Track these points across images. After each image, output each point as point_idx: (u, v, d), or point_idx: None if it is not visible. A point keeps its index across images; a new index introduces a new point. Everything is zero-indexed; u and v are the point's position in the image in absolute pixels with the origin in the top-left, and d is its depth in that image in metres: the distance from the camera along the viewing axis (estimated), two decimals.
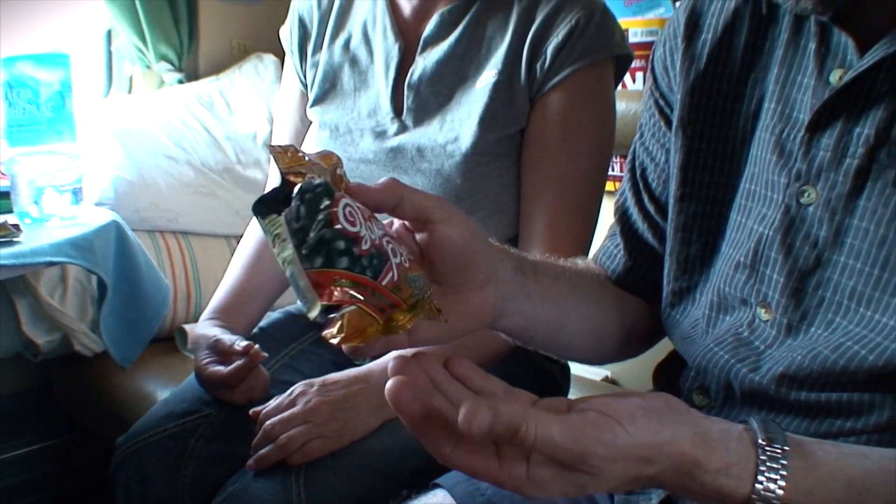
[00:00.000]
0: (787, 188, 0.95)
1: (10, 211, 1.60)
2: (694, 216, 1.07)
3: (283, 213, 0.69)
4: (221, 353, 1.44)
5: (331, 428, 1.30)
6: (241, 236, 2.41)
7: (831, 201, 0.91)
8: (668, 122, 1.11)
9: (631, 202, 1.19)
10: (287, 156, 0.72)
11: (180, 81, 2.73)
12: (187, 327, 2.16)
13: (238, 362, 1.40)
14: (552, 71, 1.46)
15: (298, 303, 1.67)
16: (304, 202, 0.68)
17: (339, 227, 0.69)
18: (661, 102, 1.13)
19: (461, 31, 1.52)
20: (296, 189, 0.68)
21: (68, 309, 2.11)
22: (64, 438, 2.39)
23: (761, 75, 1.03)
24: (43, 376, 2.33)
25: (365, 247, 0.70)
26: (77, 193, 1.62)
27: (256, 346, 1.42)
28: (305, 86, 1.68)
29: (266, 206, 0.71)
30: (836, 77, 0.92)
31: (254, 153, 2.54)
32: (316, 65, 1.64)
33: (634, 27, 2.17)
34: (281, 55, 2.53)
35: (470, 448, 0.69)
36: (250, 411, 1.35)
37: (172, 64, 2.74)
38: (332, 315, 0.68)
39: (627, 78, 2.17)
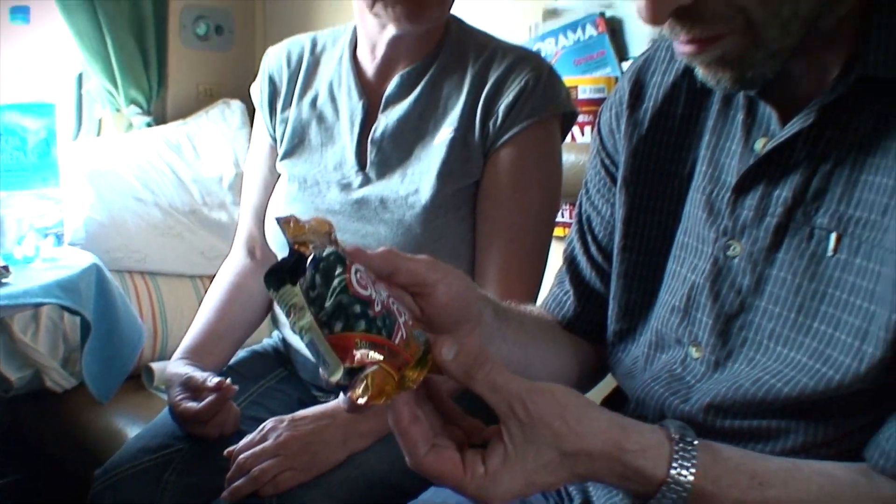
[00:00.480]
0: (716, 242, 1.02)
1: None
2: (635, 265, 1.15)
3: (299, 283, 0.72)
4: (194, 389, 1.49)
5: (300, 460, 1.36)
6: (207, 277, 2.45)
7: (753, 254, 0.98)
8: (613, 179, 1.19)
9: (579, 251, 1.26)
10: (290, 226, 0.75)
11: (149, 125, 2.79)
12: (154, 365, 2.22)
13: (210, 398, 1.45)
14: (504, 128, 1.52)
15: (265, 341, 1.74)
16: (320, 271, 0.72)
17: (353, 291, 0.72)
18: (607, 161, 1.21)
19: (420, 92, 1.58)
20: (309, 259, 0.73)
21: (40, 346, 2.14)
22: (31, 473, 2.39)
23: (695, 141, 1.11)
24: (11, 412, 2.34)
25: (378, 308, 0.73)
26: (60, 236, 1.70)
27: (228, 380, 1.47)
28: (275, 140, 1.74)
29: (277, 278, 0.74)
30: (760, 145, 0.99)
31: (219, 195, 2.59)
32: (285, 121, 1.71)
33: (583, 84, 2.24)
34: (246, 100, 2.61)
35: (440, 454, 0.79)
36: (225, 451, 1.41)
37: (141, 107, 2.80)
38: (355, 377, 0.72)
39: (577, 131, 2.24)
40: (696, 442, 0.84)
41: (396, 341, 0.74)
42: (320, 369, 0.74)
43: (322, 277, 0.72)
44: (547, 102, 1.54)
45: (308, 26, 2.93)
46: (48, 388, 2.17)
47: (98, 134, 2.86)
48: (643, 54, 1.21)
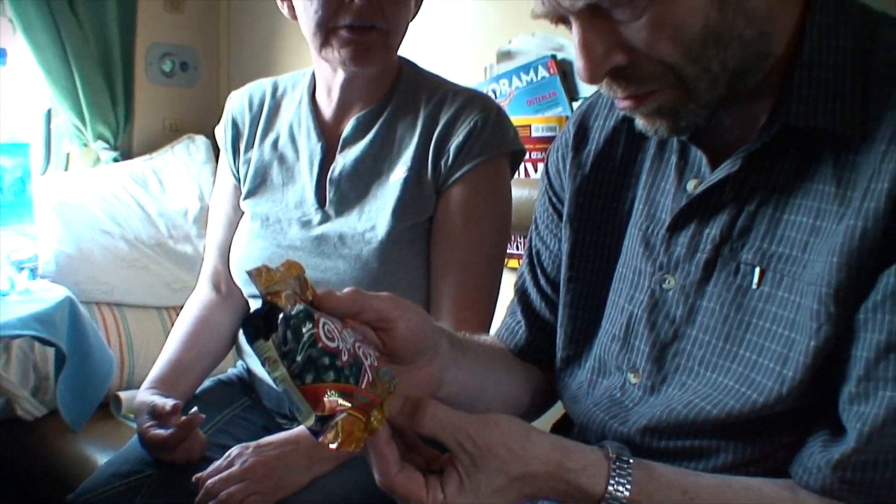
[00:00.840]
0: (653, 276, 1.08)
1: None
2: (580, 295, 1.22)
3: (272, 339, 0.77)
4: (162, 417, 1.53)
5: (266, 485, 1.41)
6: (173, 308, 2.50)
7: (686, 287, 1.04)
8: (560, 216, 1.26)
9: (529, 283, 1.33)
10: (262, 276, 0.79)
11: (115, 159, 2.85)
12: (121, 394, 2.26)
13: (177, 424, 1.50)
14: (454, 167, 1.58)
15: (230, 371, 1.80)
16: (290, 328, 0.77)
17: (321, 345, 0.78)
18: (554, 199, 1.28)
19: (375, 133, 1.64)
20: (280, 317, 0.79)
21: (11, 376, 2.19)
22: (3, 499, 2.40)
23: (634, 181, 1.18)
24: None
25: (345, 358, 0.79)
26: (34, 269, 1.76)
27: (195, 409, 1.52)
28: (238, 180, 1.79)
29: (253, 330, 0.78)
30: (691, 186, 1.06)
31: (184, 228, 2.65)
32: (248, 161, 1.76)
33: (536, 123, 2.31)
34: (211, 136, 2.66)
35: (408, 475, 0.85)
36: (193, 477, 1.45)
37: (109, 142, 2.86)
38: (327, 423, 0.78)
39: (530, 167, 2.33)
40: (631, 461, 0.91)
41: (363, 385, 0.80)
42: (296, 414, 0.80)
43: (292, 334, 0.77)
44: (495, 142, 1.60)
45: (269, 64, 3.02)
46: (19, 417, 2.21)
47: (66, 168, 2.91)
48: (587, 100, 1.28)
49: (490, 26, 2.49)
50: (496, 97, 2.39)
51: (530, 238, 1.35)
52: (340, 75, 1.63)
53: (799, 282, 0.94)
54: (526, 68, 2.35)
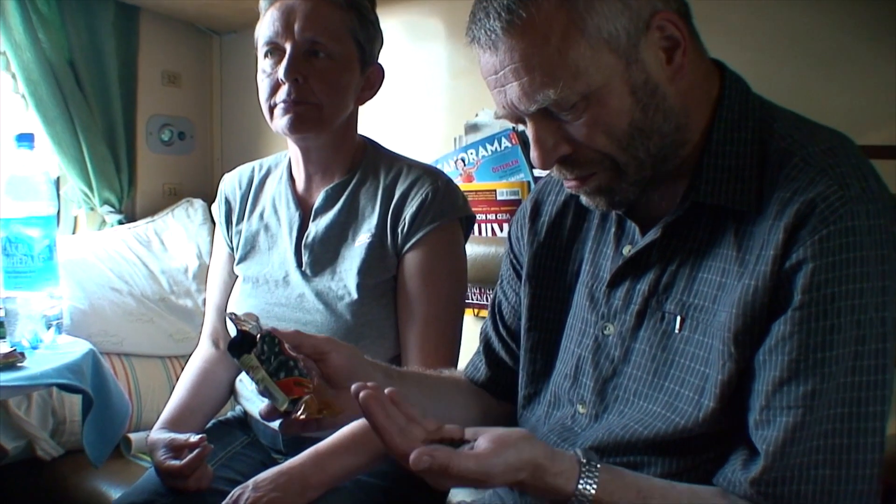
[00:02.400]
0: (596, 324, 1.25)
1: (1, 337, 1.89)
2: (537, 341, 1.37)
3: (253, 352, 1.10)
4: (177, 448, 1.67)
5: None
6: (175, 357, 2.66)
7: (622, 333, 1.21)
8: (518, 275, 1.44)
9: (490, 330, 1.51)
10: (238, 318, 1.14)
11: (120, 222, 2.98)
12: (131, 436, 2.40)
13: (191, 455, 1.63)
14: (410, 233, 1.72)
15: (228, 413, 1.97)
16: (265, 342, 1.10)
17: (286, 353, 1.11)
18: (514, 261, 1.46)
19: (342, 203, 1.80)
20: (258, 335, 1.10)
21: (32, 419, 2.32)
22: None
23: (581, 246, 1.34)
24: (3, 479, 2.44)
25: (300, 364, 1.12)
26: (60, 326, 1.95)
27: (204, 437, 1.66)
28: (232, 249, 1.97)
29: (238, 349, 1.11)
30: (626, 250, 1.23)
31: (185, 284, 2.79)
32: (239, 232, 1.94)
33: (500, 188, 2.46)
34: (207, 199, 2.85)
35: (407, 444, 0.99)
36: None
37: (113, 206, 2.99)
38: (297, 404, 1.08)
39: (496, 227, 2.48)
40: (598, 465, 1.05)
41: (315, 382, 1.12)
42: (273, 404, 1.10)
43: (267, 346, 1.10)
44: (445, 210, 1.73)
45: (258, 133, 3.18)
46: (38, 457, 2.32)
47: (73, 231, 3.03)
48: (542, 179, 1.46)
49: (459, 101, 2.64)
50: (465, 165, 2.54)
51: (495, 293, 1.52)
52: (298, 148, 1.81)
53: (710, 327, 1.10)
54: (490, 139, 2.50)
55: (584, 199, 1.20)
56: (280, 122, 1.72)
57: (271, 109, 1.74)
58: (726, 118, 1.14)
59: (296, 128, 1.72)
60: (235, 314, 1.17)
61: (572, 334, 1.32)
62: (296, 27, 1.68)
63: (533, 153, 1.13)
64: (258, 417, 1.82)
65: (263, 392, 1.11)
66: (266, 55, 1.73)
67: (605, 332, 1.24)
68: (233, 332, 1.72)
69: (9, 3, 2.64)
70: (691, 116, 1.14)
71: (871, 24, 1.88)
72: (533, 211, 1.42)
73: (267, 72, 1.73)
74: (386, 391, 1.05)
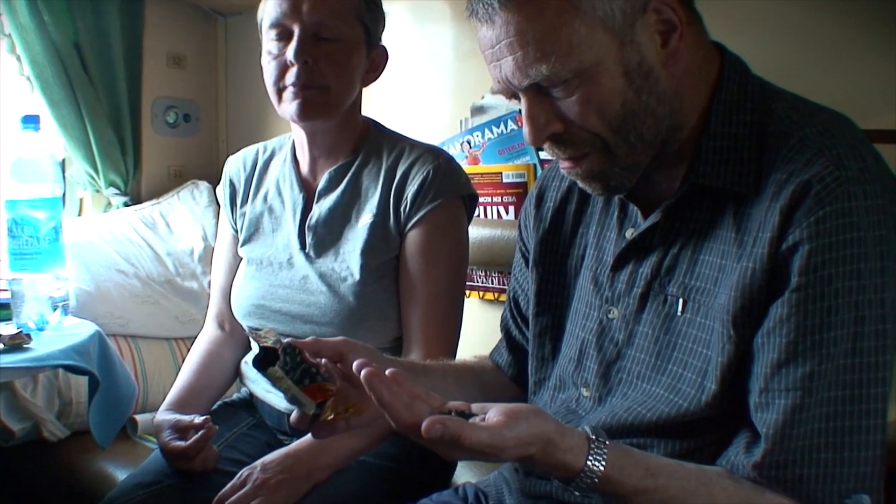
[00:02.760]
0: (600, 308, 1.26)
1: (7, 318, 1.90)
2: (545, 327, 1.39)
3: (278, 364, 1.11)
4: (181, 430, 1.69)
5: (277, 497, 1.57)
6: (181, 339, 2.66)
7: (626, 316, 1.22)
8: (528, 263, 1.45)
9: (509, 318, 1.54)
10: (259, 334, 1.16)
11: (126, 204, 2.99)
12: (137, 417, 2.40)
13: (196, 436, 1.65)
14: (412, 212, 1.73)
15: (234, 395, 1.98)
16: (288, 354, 1.12)
17: (308, 362, 1.13)
18: (524, 249, 1.48)
19: (345, 185, 1.81)
20: (280, 349, 1.12)
21: (39, 401, 2.33)
22: None
23: (585, 230, 1.36)
24: (10, 460, 2.45)
25: (321, 369, 1.14)
26: (66, 308, 1.96)
27: (208, 418, 1.68)
28: (236, 231, 1.98)
29: (263, 364, 1.12)
30: (629, 233, 1.24)
31: (191, 267, 2.80)
32: (244, 215, 1.95)
33: (506, 171, 2.44)
34: (213, 181, 2.86)
35: (414, 416, 1.00)
36: (214, 500, 1.58)
37: (119, 189, 3.00)
38: (323, 407, 1.10)
39: (502, 210, 2.46)
40: (607, 442, 1.04)
41: (338, 385, 1.14)
42: (302, 411, 1.11)
43: (290, 358, 1.12)
44: (446, 188, 1.75)
45: (263, 115, 3.16)
46: (45, 438, 2.33)
47: (79, 213, 3.04)
48: (547, 167, 1.47)
49: (464, 84, 2.62)
50: (470, 147, 2.53)
51: (511, 284, 1.54)
52: (304, 132, 1.82)
53: (711, 310, 1.10)
54: (497, 122, 2.48)
55: (580, 183, 1.21)
56: (289, 107, 1.73)
57: (279, 92, 1.74)
58: (725, 100, 1.14)
59: (305, 114, 1.73)
60: (256, 331, 1.19)
61: (577, 318, 1.33)
62: (303, 8, 1.69)
63: (525, 129, 1.14)
64: (263, 399, 1.90)
65: (291, 400, 1.13)
66: (273, 37, 1.73)
67: (610, 316, 1.25)
68: (238, 314, 1.76)
69: None
70: (686, 99, 1.14)
71: (870, 8, 1.86)
72: (538, 198, 1.44)
73: (273, 53, 1.73)
74: (387, 372, 1.05)
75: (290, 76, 1.70)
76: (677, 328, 1.15)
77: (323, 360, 1.16)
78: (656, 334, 1.18)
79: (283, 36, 1.71)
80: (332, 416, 1.11)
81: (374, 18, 1.78)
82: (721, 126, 1.13)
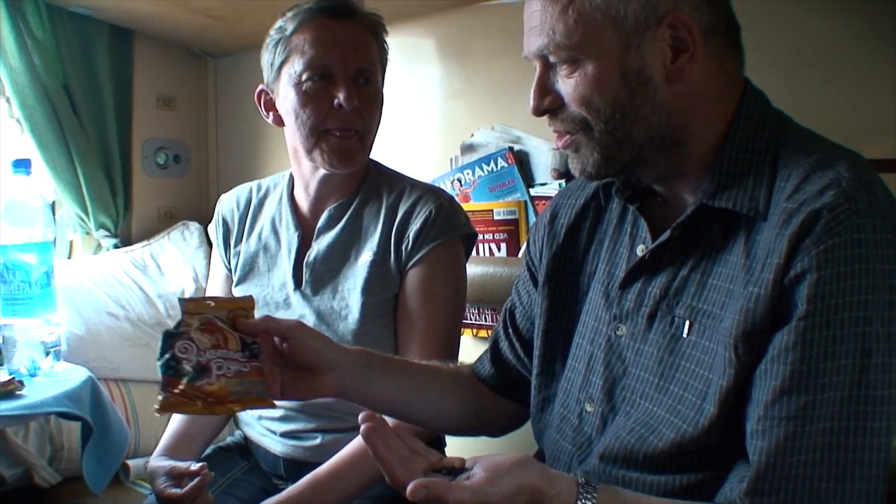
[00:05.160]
0: (610, 324, 1.27)
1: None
2: (554, 342, 1.40)
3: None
4: (177, 476, 1.69)
5: None
6: None
7: (634, 334, 1.23)
8: (535, 280, 1.47)
9: (501, 330, 1.55)
10: (191, 304, 1.22)
11: (116, 246, 2.98)
12: (130, 462, 2.40)
13: (192, 483, 1.65)
14: (413, 251, 1.75)
15: (228, 439, 1.98)
16: (162, 341, 1.18)
17: (171, 354, 1.17)
18: (532, 266, 1.50)
19: (345, 223, 1.82)
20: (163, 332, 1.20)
21: (30, 446, 2.31)
22: None
23: (598, 247, 1.37)
24: None
25: (188, 367, 1.17)
26: (58, 353, 1.94)
27: (205, 465, 1.68)
28: (230, 270, 1.99)
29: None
30: (640, 249, 1.26)
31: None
32: (238, 254, 1.95)
33: (497, 207, 2.47)
34: (203, 221, 2.85)
35: (407, 475, 1.04)
36: None
37: (109, 230, 2.99)
38: (163, 396, 1.15)
39: (493, 247, 2.48)
40: (598, 486, 1.06)
41: (198, 384, 1.17)
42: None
43: (162, 344, 1.19)
44: (448, 228, 1.76)
45: (252, 156, 3.19)
46: (36, 484, 2.31)
47: (69, 256, 3.03)
48: (562, 190, 1.50)
49: (454, 122, 2.65)
50: (461, 185, 2.55)
51: (511, 297, 1.56)
52: (320, 174, 1.81)
53: (716, 333, 1.11)
54: (487, 159, 2.51)
55: (569, 160, 1.25)
56: (327, 155, 1.74)
57: (321, 135, 1.74)
58: (743, 126, 1.16)
59: (345, 163, 1.76)
60: (196, 299, 1.25)
61: (585, 331, 1.35)
62: (348, 53, 1.72)
63: (531, 101, 1.21)
64: (258, 442, 1.90)
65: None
66: (309, 78, 1.72)
67: (618, 333, 1.27)
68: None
69: (3, 27, 2.64)
70: (694, 121, 1.17)
71: (872, 37, 1.90)
72: (551, 216, 1.46)
73: (312, 95, 1.73)
74: (390, 423, 1.08)
75: (338, 120, 1.72)
76: (681, 350, 1.16)
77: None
78: (661, 354, 1.19)
79: (324, 78, 1.72)
80: (156, 407, 1.17)
81: (384, 63, 1.82)
82: (736, 151, 1.15)
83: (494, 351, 1.57)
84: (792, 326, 1.02)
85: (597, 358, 1.29)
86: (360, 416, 1.08)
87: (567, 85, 1.17)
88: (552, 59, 1.17)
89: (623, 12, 1.12)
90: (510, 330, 1.54)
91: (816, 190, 1.04)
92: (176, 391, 1.17)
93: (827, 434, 1.00)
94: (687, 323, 1.16)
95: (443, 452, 1.94)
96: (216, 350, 1.21)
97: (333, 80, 1.72)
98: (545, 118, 1.23)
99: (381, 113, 1.81)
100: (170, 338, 1.20)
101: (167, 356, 1.18)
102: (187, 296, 2.82)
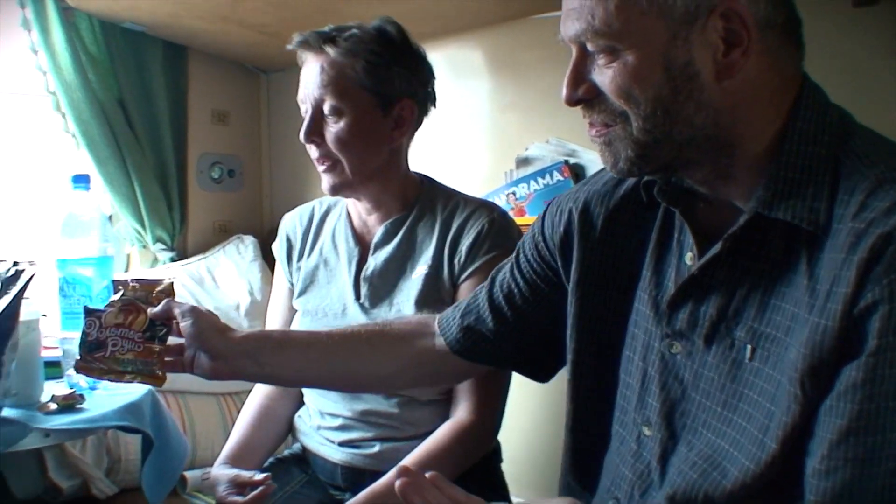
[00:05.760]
0: (662, 340, 1.17)
1: (58, 377, 1.90)
2: (587, 346, 1.31)
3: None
4: (240, 485, 1.73)
5: None
6: (228, 394, 2.67)
7: (691, 353, 1.13)
8: (542, 257, 1.40)
9: (486, 306, 1.49)
10: (126, 287, 1.52)
11: (172, 259, 3.02)
12: (186, 474, 2.35)
13: (254, 492, 1.69)
14: (466, 264, 1.77)
15: (285, 451, 1.99)
16: (83, 314, 1.47)
17: (82, 331, 1.45)
18: (542, 247, 1.40)
19: (401, 237, 1.86)
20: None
21: (87, 458, 2.34)
22: None
23: (639, 245, 1.26)
24: None
25: (88, 339, 1.46)
26: None
27: (269, 476, 1.72)
28: (292, 284, 2.02)
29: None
30: (689, 258, 1.16)
31: (237, 321, 2.79)
32: (300, 269, 1.99)
33: None
34: (258, 235, 2.90)
35: None
36: None
37: (166, 244, 3.02)
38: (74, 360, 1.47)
39: None
40: None
41: (97, 355, 1.46)
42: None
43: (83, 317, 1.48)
44: (500, 241, 1.77)
45: (305, 170, 3.18)
46: (93, 496, 2.34)
47: (126, 269, 3.06)
48: (592, 176, 1.40)
49: (508, 135, 2.64)
50: (516, 199, 2.54)
51: (503, 275, 1.50)
52: None
53: (780, 362, 1.01)
54: (542, 173, 2.51)
55: (598, 150, 1.16)
56: (322, 185, 1.84)
57: (314, 161, 1.84)
58: (801, 129, 1.06)
59: (330, 189, 1.84)
60: (128, 282, 1.52)
61: (636, 345, 1.25)
62: (309, 89, 1.78)
63: (563, 91, 1.13)
64: (316, 452, 1.93)
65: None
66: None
67: (672, 351, 1.17)
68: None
69: (59, 44, 2.69)
70: (745, 121, 1.08)
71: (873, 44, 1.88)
72: (584, 204, 1.35)
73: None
74: (427, 475, 1.03)
75: (311, 152, 1.82)
76: (744, 377, 1.07)
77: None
78: (722, 381, 1.09)
79: (307, 112, 1.80)
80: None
81: (381, 79, 1.77)
82: (794, 156, 1.05)
83: (468, 320, 1.51)
84: (861, 362, 0.93)
85: (651, 377, 1.20)
86: (395, 471, 1.04)
87: (604, 75, 1.07)
88: (589, 46, 1.07)
89: (672, 0, 1.02)
90: (495, 303, 1.49)
91: (885, 207, 0.95)
92: (78, 358, 1.45)
93: (892, 476, 0.94)
94: (749, 347, 1.07)
95: (499, 469, 1.96)
96: (117, 329, 1.46)
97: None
98: None
99: (364, 136, 1.80)
100: (86, 314, 1.47)
101: (81, 329, 1.46)
102: (242, 308, 2.84)
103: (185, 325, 1.44)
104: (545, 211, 1.44)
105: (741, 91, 1.06)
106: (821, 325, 0.96)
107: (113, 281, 1.40)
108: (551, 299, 1.40)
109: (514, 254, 1.49)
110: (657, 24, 1.03)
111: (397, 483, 1.00)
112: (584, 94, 1.11)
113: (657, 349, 1.19)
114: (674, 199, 1.19)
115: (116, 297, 1.50)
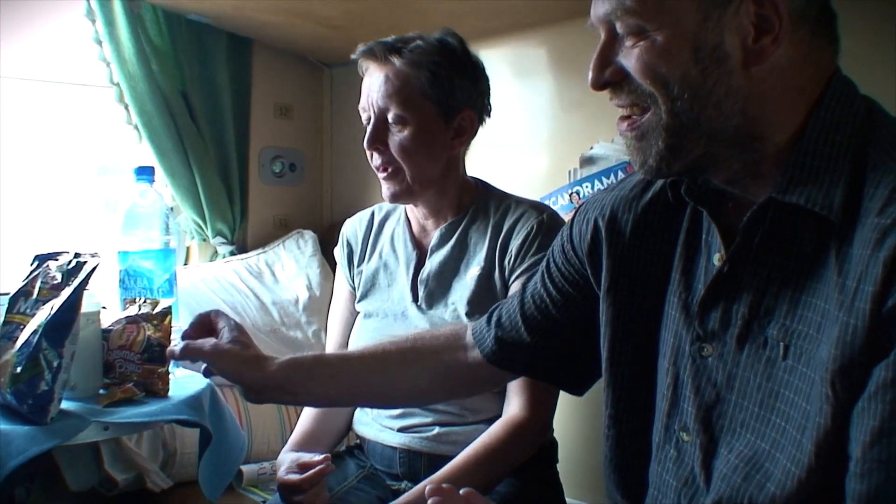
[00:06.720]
0: (693, 343, 1.16)
1: None
2: (622, 355, 1.30)
3: None
4: (303, 466, 1.79)
5: None
6: None
7: (723, 355, 1.12)
8: (571, 265, 1.40)
9: (519, 317, 1.48)
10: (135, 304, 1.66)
11: (232, 253, 3.03)
12: (242, 468, 2.43)
13: (312, 470, 1.76)
14: (516, 263, 1.82)
15: (342, 447, 2.00)
16: None
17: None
18: (572, 255, 1.40)
19: (455, 241, 1.93)
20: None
21: (143, 451, 2.36)
22: None
23: (668, 248, 1.25)
24: None
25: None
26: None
27: (328, 457, 1.80)
28: (353, 288, 2.09)
29: None
30: (717, 258, 1.15)
31: (296, 316, 2.81)
32: (361, 273, 2.06)
33: None
34: (318, 230, 2.91)
35: None
36: None
37: (226, 238, 3.04)
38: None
39: None
40: None
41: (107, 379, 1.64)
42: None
43: None
44: (549, 241, 1.67)
45: (366, 165, 3.17)
46: (148, 489, 2.35)
47: (186, 262, 3.09)
48: (615, 184, 1.40)
49: (573, 134, 2.61)
50: (579, 198, 2.52)
51: (534, 285, 1.50)
52: None
53: (813, 360, 1.00)
54: (607, 172, 2.48)
55: (627, 150, 1.15)
56: (383, 192, 1.91)
57: (376, 168, 1.91)
58: (824, 117, 1.05)
59: (390, 198, 1.90)
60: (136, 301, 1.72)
61: (666, 349, 1.23)
62: (373, 98, 1.83)
63: (590, 74, 1.13)
64: (375, 439, 1.98)
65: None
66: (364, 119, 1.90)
67: (704, 353, 1.16)
68: None
69: (123, 35, 2.70)
70: (773, 110, 1.07)
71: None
72: (611, 212, 1.34)
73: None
74: (462, 492, 1.04)
75: (374, 159, 1.88)
76: (779, 375, 1.06)
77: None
78: (759, 381, 1.08)
79: (369, 120, 1.87)
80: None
81: (445, 91, 1.84)
82: (813, 144, 1.04)
83: (501, 330, 1.51)
84: (891, 361, 0.92)
85: (684, 382, 1.18)
86: (427, 491, 1.04)
87: (631, 56, 1.07)
88: (619, 26, 1.07)
89: None
90: (531, 317, 1.48)
91: None
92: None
93: None
94: (782, 345, 1.05)
95: (554, 468, 1.99)
96: (120, 350, 1.56)
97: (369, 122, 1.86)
98: None
99: (427, 145, 1.86)
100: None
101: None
102: (301, 303, 2.85)
103: (216, 365, 1.48)
104: (572, 218, 1.44)
105: (770, 80, 1.05)
106: (850, 324, 0.95)
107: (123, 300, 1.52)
108: (583, 306, 1.41)
109: (545, 262, 1.49)
110: (689, 4, 1.03)
111: (431, 500, 1.01)
112: (610, 77, 1.11)
113: (688, 353, 1.18)
114: (701, 199, 1.19)
115: (125, 314, 1.61)
